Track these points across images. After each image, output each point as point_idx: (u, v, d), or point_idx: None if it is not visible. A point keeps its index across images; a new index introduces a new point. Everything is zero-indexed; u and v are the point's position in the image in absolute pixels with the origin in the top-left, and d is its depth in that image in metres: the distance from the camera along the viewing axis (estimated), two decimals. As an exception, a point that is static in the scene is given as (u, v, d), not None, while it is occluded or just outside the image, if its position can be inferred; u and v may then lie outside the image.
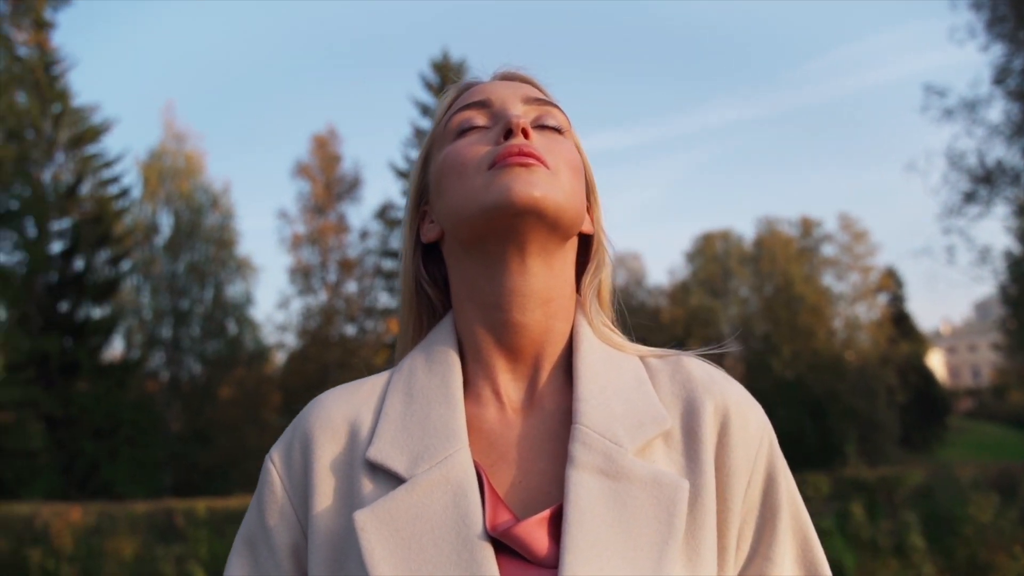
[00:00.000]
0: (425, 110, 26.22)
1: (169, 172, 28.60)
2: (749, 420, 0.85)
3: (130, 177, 45.09)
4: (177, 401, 27.26)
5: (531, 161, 0.83)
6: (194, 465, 23.72)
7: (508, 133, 0.86)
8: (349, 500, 0.81)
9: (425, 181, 0.97)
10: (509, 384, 0.88)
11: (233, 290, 29.66)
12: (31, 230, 21.06)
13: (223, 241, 29.48)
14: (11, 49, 16.32)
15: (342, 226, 27.18)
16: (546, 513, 0.76)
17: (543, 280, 0.87)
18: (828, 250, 32.82)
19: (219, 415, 25.98)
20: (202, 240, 29.06)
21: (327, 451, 0.85)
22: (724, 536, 0.80)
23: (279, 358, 29.62)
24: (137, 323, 27.91)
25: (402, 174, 25.72)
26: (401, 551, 0.74)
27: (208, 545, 10.31)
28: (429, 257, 0.98)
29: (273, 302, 62.46)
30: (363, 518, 0.76)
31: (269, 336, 29.98)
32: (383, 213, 26.15)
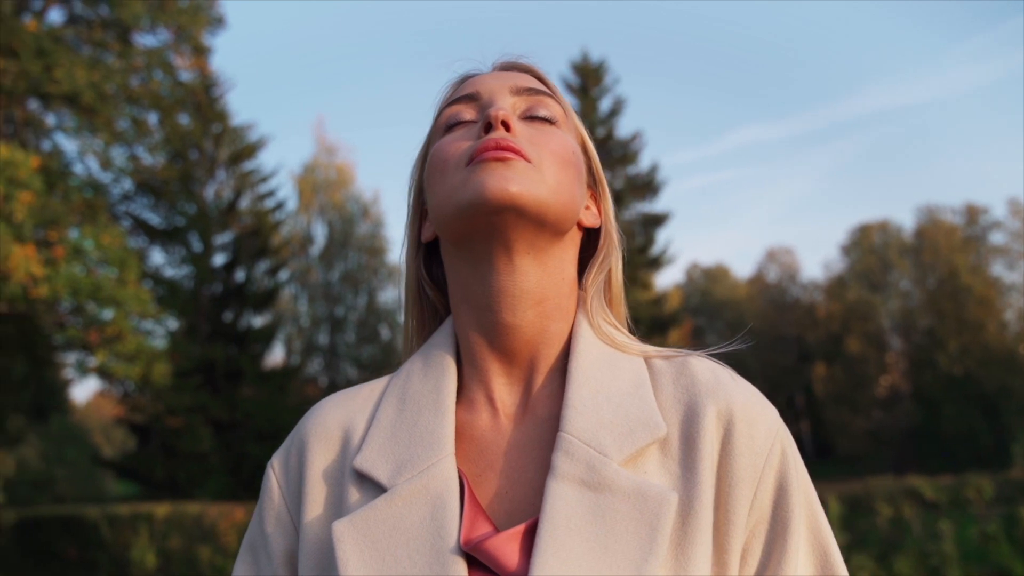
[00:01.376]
0: (566, 112, 26.24)
1: (322, 184, 29.81)
2: (756, 426, 0.78)
3: (285, 190, 47.28)
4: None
5: (508, 155, 0.79)
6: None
7: (488, 127, 0.82)
8: (337, 508, 0.81)
9: (424, 178, 0.93)
10: (503, 389, 0.84)
11: (385, 296, 30.71)
12: (196, 245, 22.27)
13: (374, 249, 30.50)
14: (174, 75, 17.26)
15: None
16: (521, 527, 0.72)
17: (535, 279, 0.83)
18: (997, 238, 31.00)
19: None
20: (355, 249, 30.14)
21: (320, 458, 0.84)
22: (725, 551, 0.74)
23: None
24: (296, 331, 29.19)
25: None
26: (376, 563, 0.72)
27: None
28: (433, 258, 0.94)
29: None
30: (341, 528, 0.75)
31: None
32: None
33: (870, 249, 35.27)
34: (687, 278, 51.73)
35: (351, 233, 30.06)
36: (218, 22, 17.79)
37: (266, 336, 23.39)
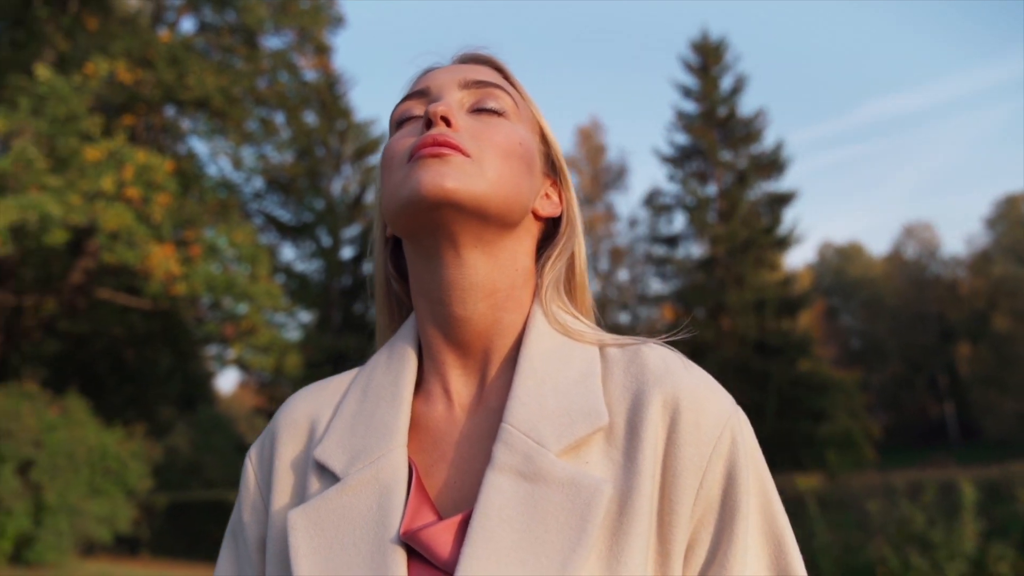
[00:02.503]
0: (687, 92, 25.82)
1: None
2: (703, 413, 0.76)
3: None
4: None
5: (444, 151, 0.79)
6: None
7: (429, 124, 0.82)
8: (300, 498, 0.82)
9: None
10: (459, 380, 0.85)
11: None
12: (325, 239, 22.99)
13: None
14: (298, 75, 17.83)
15: (611, 215, 27.50)
16: (458, 517, 0.73)
17: (484, 272, 0.83)
18: None
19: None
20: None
21: (288, 449, 0.86)
22: (669, 541, 0.73)
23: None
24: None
25: (667, 159, 25.51)
26: (323, 551, 0.74)
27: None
28: (400, 252, 0.95)
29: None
30: (295, 516, 0.77)
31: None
32: (650, 200, 26.13)
33: (1018, 221, 33.38)
34: (819, 257, 50.17)
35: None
36: (338, 21, 18.23)
37: (393, 327, 23.88)
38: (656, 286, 26.58)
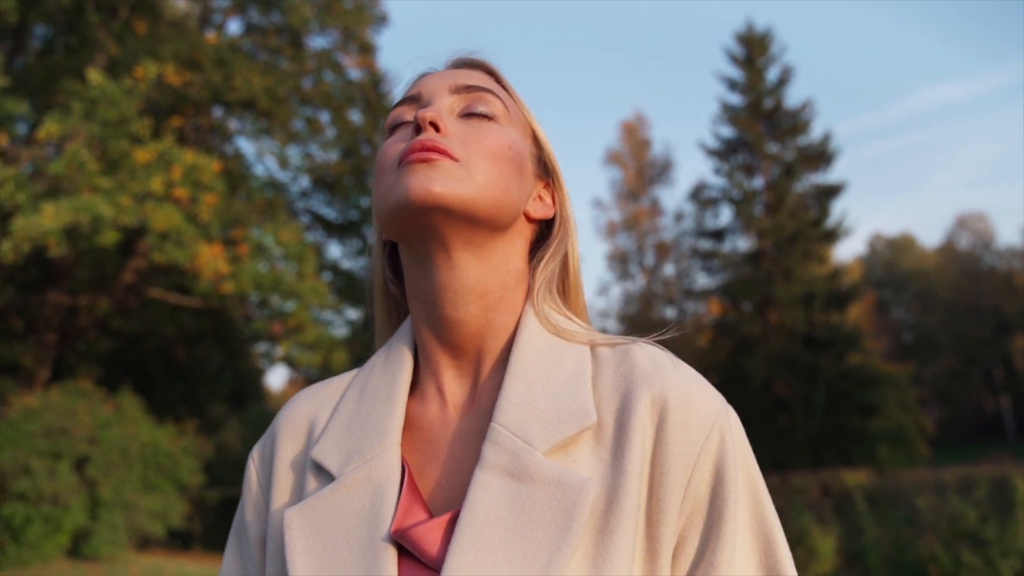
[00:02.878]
0: (733, 84, 25.57)
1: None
2: (692, 412, 0.77)
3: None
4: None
5: (432, 156, 0.80)
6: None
7: (418, 129, 0.84)
8: (297, 497, 0.84)
9: None
10: (453, 381, 0.87)
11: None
12: (371, 238, 23.15)
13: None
14: (342, 74, 18.00)
15: (656, 210, 27.40)
16: (448, 515, 0.75)
17: (476, 274, 0.85)
18: None
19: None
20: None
21: (288, 449, 0.88)
22: (657, 540, 0.74)
23: (604, 343, 30.53)
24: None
25: (712, 153, 25.28)
26: (318, 549, 0.76)
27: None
28: (399, 255, 0.96)
29: (594, 289, 64.16)
30: (291, 515, 0.79)
31: (593, 322, 30.89)
32: (696, 194, 25.93)
33: (1075, 210, 32.58)
34: (869, 249, 49.43)
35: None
36: (382, 20, 18.38)
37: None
38: (703, 280, 26.43)
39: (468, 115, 0.88)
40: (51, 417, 12.32)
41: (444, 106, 0.88)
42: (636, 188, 27.10)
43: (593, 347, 0.85)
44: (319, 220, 22.20)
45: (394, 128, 0.91)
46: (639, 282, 27.47)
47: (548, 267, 0.90)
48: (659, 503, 0.74)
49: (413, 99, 0.91)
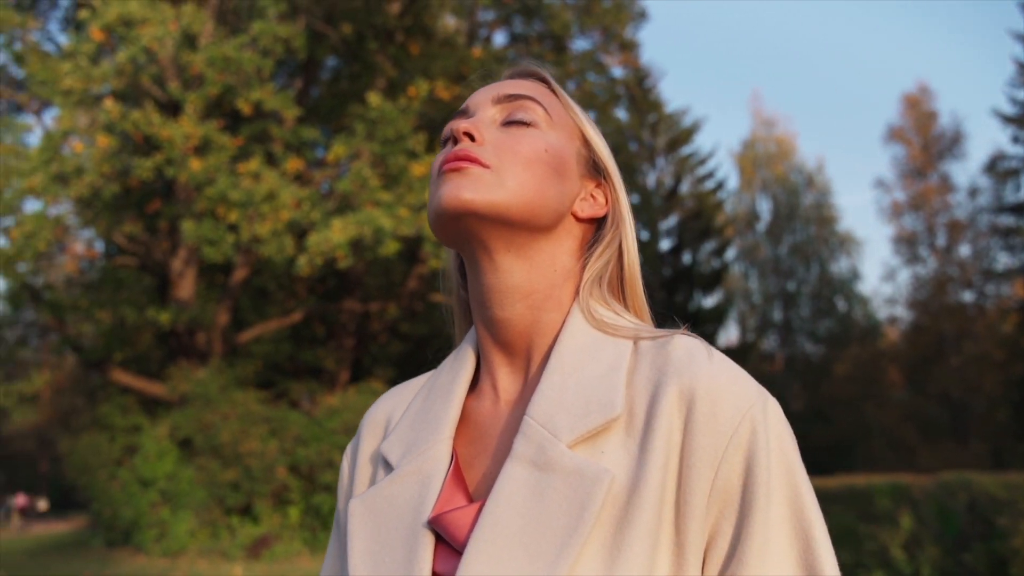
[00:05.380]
0: (1037, 40, 23.01)
1: (762, 159, 29.36)
2: (721, 403, 0.76)
3: (724, 169, 47.21)
4: (795, 380, 27.77)
5: (463, 164, 0.84)
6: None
7: (455, 140, 0.88)
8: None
9: None
10: (506, 378, 0.90)
11: (838, 267, 29.43)
12: (643, 232, 23.20)
13: (823, 219, 29.38)
14: (606, 73, 18.20)
15: (946, 186, 25.31)
16: (478, 503, 0.78)
17: (520, 274, 0.87)
18: None
19: (836, 392, 25.90)
20: (801, 221, 29.29)
21: (368, 445, 0.96)
22: (682, 532, 0.73)
23: (892, 332, 28.56)
24: (748, 308, 29.09)
25: (1009, 120, 22.88)
26: (373, 535, 0.82)
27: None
28: None
29: (879, 275, 60.10)
30: (354, 505, 0.86)
31: (879, 310, 29.09)
32: (993, 166, 23.60)
33: None
34: None
35: (796, 205, 29.24)
36: (641, 16, 18.37)
37: (718, 315, 23.64)
38: (1004, 259, 23.96)
39: (508, 123, 0.91)
40: (350, 415, 13.48)
41: (486, 117, 0.91)
42: (923, 164, 25.10)
43: (636, 340, 0.85)
44: (589, 219, 22.63)
45: (445, 141, 0.95)
46: (930, 265, 25.43)
47: (596, 264, 0.91)
48: (685, 496, 0.74)
49: (463, 112, 0.94)
